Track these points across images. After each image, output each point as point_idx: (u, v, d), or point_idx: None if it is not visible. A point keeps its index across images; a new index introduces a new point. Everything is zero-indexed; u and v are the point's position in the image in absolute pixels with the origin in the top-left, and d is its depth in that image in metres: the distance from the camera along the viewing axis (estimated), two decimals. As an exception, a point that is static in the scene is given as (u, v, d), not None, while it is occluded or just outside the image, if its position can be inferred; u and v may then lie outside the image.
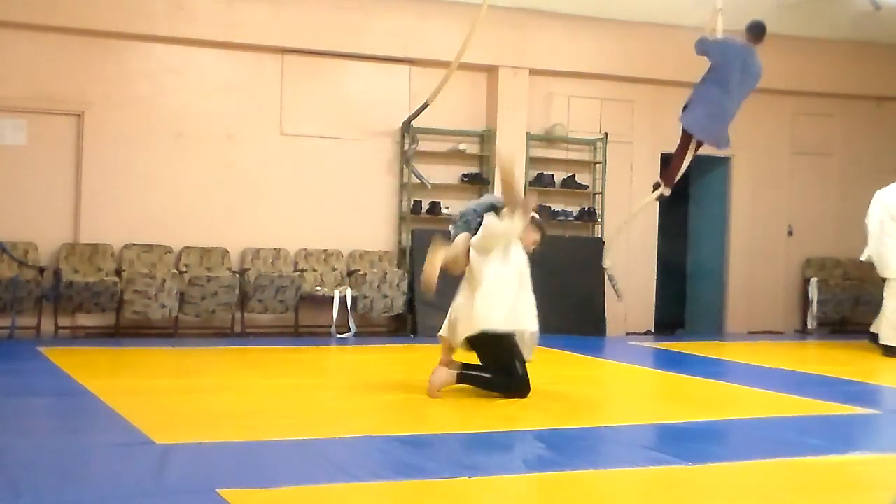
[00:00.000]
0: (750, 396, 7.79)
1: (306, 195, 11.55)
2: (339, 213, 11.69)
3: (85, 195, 10.78)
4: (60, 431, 5.98)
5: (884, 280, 11.21)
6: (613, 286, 11.25)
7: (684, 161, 10.10)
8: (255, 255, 11.30)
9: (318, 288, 11.31)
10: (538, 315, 6.98)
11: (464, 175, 12.15)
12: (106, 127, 10.83)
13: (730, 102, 9.84)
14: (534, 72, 12.32)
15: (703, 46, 9.86)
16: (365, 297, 11.19)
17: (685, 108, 10.00)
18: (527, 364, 6.95)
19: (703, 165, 11.27)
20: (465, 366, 7.09)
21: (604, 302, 12.30)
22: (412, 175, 11.77)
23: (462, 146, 12.05)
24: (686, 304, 12.99)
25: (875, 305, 13.54)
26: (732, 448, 5.97)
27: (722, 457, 5.52)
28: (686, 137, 9.98)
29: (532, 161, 12.31)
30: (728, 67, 9.74)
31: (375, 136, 11.87)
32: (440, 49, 11.41)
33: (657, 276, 12.95)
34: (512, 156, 6.68)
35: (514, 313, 6.82)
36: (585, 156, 12.76)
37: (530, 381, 6.91)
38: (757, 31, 9.95)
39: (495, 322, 6.79)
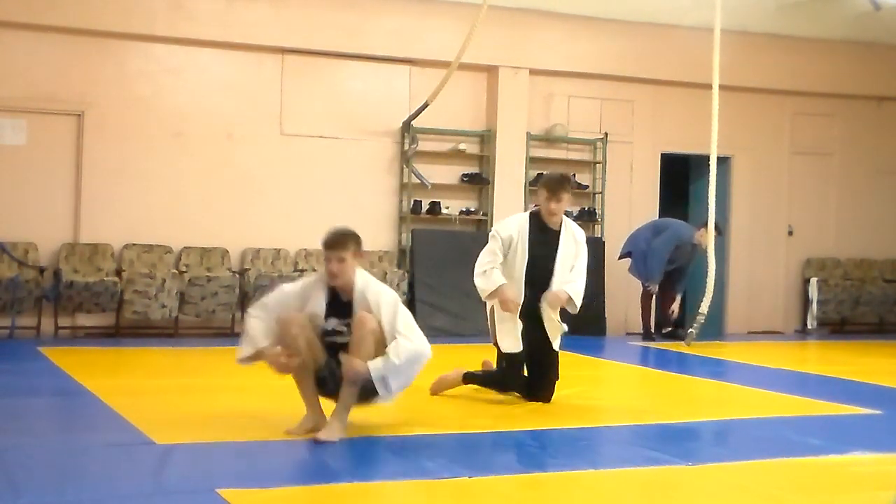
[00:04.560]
0: (750, 396, 7.79)
1: (306, 195, 11.55)
2: (339, 213, 11.64)
3: (85, 195, 10.77)
4: (60, 431, 5.99)
5: None
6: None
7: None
8: (255, 255, 11.29)
9: (318, 288, 11.30)
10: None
11: (464, 175, 12.14)
12: (106, 127, 10.83)
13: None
14: (534, 72, 12.32)
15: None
16: (365, 297, 11.17)
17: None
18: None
19: (703, 165, 11.30)
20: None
21: (604, 302, 12.31)
22: (412, 175, 11.77)
23: (462, 146, 12.04)
24: (686, 304, 12.97)
25: (875, 305, 13.60)
26: (732, 448, 5.97)
27: (722, 457, 5.51)
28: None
29: (532, 161, 12.30)
30: None
31: (375, 136, 11.86)
32: (440, 49, 11.41)
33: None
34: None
35: None
36: (585, 156, 12.76)
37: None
38: None
39: None
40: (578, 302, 6.82)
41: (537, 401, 6.88)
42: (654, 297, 11.70)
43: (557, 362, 6.97)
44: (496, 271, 6.77)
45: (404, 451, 5.33)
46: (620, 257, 11.95)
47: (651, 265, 11.52)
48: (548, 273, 6.76)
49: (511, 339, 6.80)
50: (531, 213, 6.99)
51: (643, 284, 11.67)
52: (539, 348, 6.86)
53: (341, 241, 5.62)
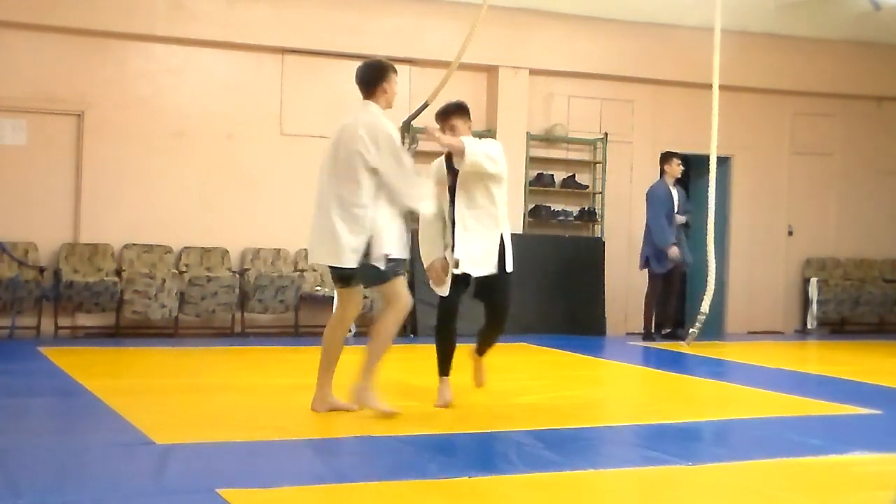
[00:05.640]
0: (750, 396, 7.79)
1: (306, 195, 11.43)
2: (339, 213, 11.66)
3: (85, 195, 10.77)
4: (60, 431, 5.98)
5: None
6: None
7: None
8: (255, 255, 11.30)
9: (318, 288, 11.31)
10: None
11: (464, 175, 12.13)
12: (106, 127, 10.83)
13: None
14: (534, 72, 12.32)
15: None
16: (365, 297, 11.17)
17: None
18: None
19: (703, 165, 11.32)
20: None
21: (604, 302, 12.31)
22: (412, 175, 11.75)
23: (462, 146, 12.02)
24: (686, 304, 13.00)
25: (875, 305, 13.60)
26: (732, 448, 5.97)
27: (722, 457, 5.52)
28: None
29: (532, 161, 12.30)
30: None
31: (375, 136, 11.83)
32: (440, 49, 11.41)
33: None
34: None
35: None
36: (585, 156, 12.76)
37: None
38: None
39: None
40: (470, 156, 6.34)
41: (495, 320, 6.87)
42: (655, 297, 11.66)
43: (508, 284, 6.82)
44: (434, 242, 6.92)
45: (404, 451, 5.33)
46: (642, 267, 11.82)
47: (658, 234, 11.41)
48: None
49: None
50: (445, 154, 6.72)
51: (668, 265, 11.45)
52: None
53: None
